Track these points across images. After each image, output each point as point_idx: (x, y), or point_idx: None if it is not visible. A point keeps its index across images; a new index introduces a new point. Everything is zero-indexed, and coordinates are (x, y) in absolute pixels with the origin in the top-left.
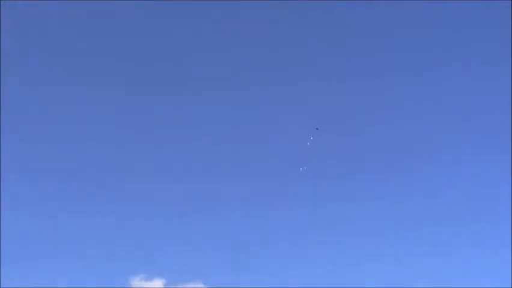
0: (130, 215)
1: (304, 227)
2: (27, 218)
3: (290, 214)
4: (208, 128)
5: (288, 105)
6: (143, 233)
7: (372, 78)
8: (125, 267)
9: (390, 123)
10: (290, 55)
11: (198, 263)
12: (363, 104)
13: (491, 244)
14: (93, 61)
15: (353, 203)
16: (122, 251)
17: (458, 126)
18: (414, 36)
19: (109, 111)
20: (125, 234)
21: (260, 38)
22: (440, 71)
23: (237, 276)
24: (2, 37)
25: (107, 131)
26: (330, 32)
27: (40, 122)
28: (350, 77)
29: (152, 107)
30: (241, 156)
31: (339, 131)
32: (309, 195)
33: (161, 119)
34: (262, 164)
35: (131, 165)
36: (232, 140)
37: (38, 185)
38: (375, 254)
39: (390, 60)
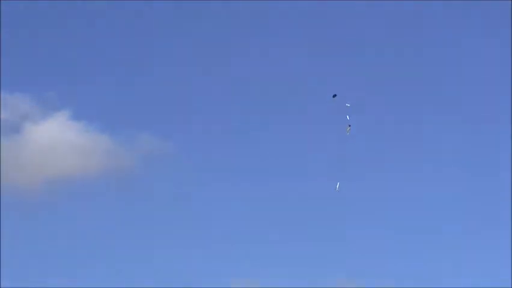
0: None
1: None
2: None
3: None
4: None
5: None
6: None
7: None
8: None
9: None
10: None
11: None
12: None
13: (491, 244)
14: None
15: None
16: None
17: (461, 134)
18: (414, 36)
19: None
20: None
21: None
22: (440, 71)
23: None
24: (1, 37)
25: None
26: None
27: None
28: None
29: None
30: None
31: None
32: None
33: None
34: None
35: None
36: None
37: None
38: None
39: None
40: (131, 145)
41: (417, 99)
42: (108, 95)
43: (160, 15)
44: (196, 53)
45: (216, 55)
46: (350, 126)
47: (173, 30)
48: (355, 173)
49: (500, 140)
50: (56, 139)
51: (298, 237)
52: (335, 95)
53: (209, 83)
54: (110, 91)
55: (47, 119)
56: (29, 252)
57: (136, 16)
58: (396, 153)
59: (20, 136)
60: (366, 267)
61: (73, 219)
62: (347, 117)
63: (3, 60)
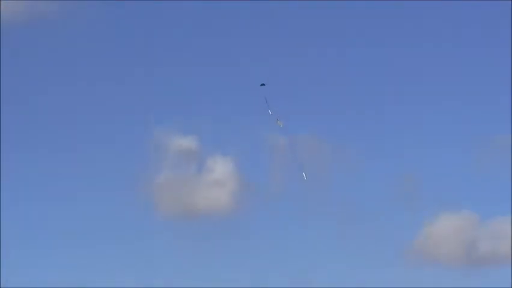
0: None
1: None
2: None
3: None
4: None
5: None
6: None
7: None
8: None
9: None
10: None
11: None
12: None
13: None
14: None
15: None
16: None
17: (458, 125)
18: (415, 36)
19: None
20: None
21: None
22: (440, 71)
23: None
24: (1, 38)
25: None
26: None
27: (38, 119)
28: None
29: None
30: None
31: None
32: None
33: None
34: None
35: None
36: None
37: None
38: None
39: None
40: None
41: (416, 99)
42: None
43: None
44: None
45: None
46: (278, 120)
47: None
48: None
49: (501, 142)
50: None
51: None
52: (263, 84)
53: None
54: None
55: None
56: None
57: None
58: None
59: None
60: None
61: None
62: (269, 111)
63: None
